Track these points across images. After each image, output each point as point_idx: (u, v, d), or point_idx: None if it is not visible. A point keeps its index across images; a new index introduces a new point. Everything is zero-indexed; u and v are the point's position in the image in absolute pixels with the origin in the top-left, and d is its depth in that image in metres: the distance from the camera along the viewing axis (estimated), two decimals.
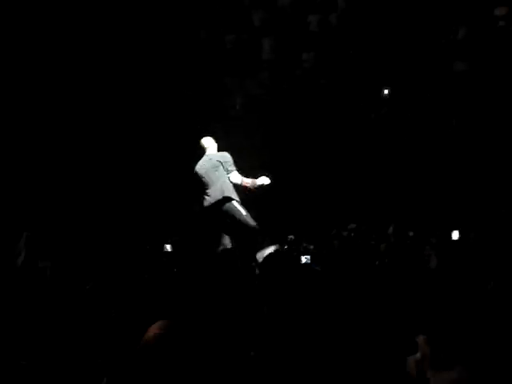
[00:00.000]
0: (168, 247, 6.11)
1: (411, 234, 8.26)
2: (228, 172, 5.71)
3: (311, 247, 8.27)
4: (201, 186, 5.81)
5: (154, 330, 1.73)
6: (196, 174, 5.89)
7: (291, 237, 9.23)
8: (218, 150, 6.03)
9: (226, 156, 5.79)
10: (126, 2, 9.62)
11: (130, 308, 3.32)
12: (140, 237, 7.54)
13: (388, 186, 10.13)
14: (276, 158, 10.20)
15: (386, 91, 10.53)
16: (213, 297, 3.16)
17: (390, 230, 8.61)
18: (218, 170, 5.71)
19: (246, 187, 5.77)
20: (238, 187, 5.77)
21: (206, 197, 5.75)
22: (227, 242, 5.74)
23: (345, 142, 10.39)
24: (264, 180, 5.77)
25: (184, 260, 5.15)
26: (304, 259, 5.33)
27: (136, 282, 3.90)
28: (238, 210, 5.58)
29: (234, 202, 5.63)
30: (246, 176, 5.81)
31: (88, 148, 9.30)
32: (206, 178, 5.76)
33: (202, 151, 6.01)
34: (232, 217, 5.60)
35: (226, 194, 5.62)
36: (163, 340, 1.68)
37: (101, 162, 9.40)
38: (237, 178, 5.71)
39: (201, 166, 5.87)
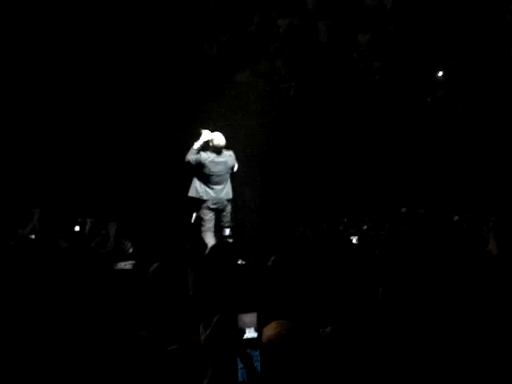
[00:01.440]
0: (227, 231, 6.29)
1: (456, 217, 8.24)
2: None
3: (364, 227, 8.39)
4: (206, 175, 6.45)
5: (272, 332, 1.74)
6: (210, 163, 6.43)
7: (345, 219, 9.34)
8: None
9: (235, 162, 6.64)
10: None
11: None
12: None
13: (445, 169, 10.00)
14: (332, 143, 10.24)
15: (441, 73, 10.33)
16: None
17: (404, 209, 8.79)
18: (229, 173, 6.61)
19: None
20: None
21: (209, 190, 6.46)
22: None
23: (401, 124, 10.29)
24: None
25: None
26: (354, 240, 5.55)
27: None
28: (231, 214, 6.75)
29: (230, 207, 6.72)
30: None
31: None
32: (220, 175, 6.51)
33: (209, 142, 6.54)
34: (225, 215, 6.66)
35: (230, 196, 6.64)
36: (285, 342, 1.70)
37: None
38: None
39: (217, 163, 6.48)
